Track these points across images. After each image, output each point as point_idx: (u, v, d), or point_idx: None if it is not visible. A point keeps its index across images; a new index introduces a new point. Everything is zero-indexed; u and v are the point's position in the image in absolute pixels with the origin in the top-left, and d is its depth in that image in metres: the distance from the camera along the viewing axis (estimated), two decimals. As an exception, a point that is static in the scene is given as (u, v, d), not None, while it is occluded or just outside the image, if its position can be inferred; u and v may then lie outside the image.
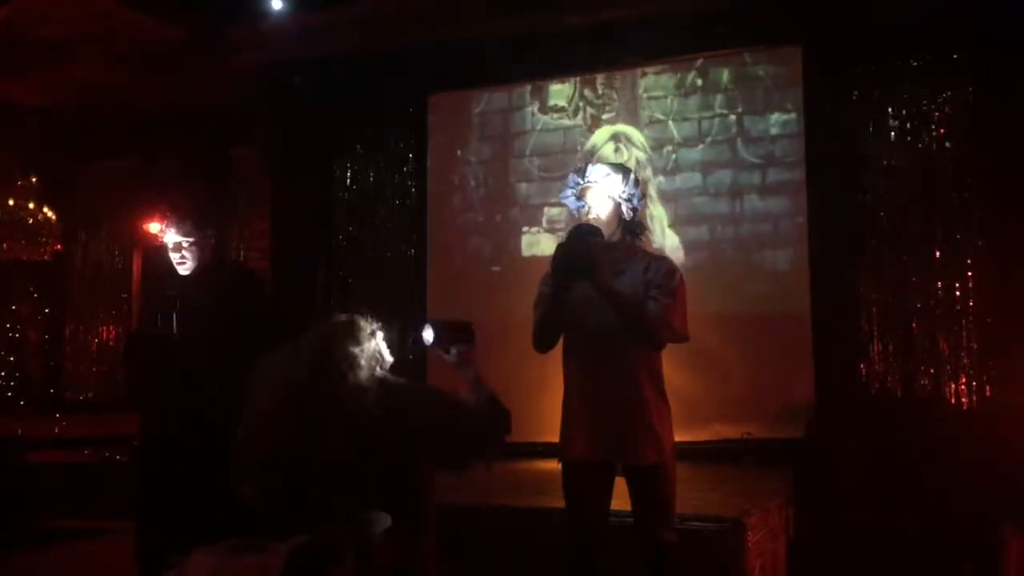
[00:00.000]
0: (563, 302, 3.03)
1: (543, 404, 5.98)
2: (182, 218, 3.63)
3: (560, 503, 3.19)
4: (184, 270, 3.66)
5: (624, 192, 3.10)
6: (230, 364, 3.53)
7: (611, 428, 3.01)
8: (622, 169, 3.16)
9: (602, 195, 3.10)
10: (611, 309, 2.95)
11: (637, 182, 3.15)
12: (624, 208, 3.12)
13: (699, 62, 6.43)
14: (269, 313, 3.95)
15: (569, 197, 3.20)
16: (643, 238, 3.22)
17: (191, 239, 3.63)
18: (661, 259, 3.17)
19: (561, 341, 3.14)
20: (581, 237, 2.94)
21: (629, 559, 3.06)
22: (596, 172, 3.13)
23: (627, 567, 3.10)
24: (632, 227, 3.16)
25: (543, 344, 3.14)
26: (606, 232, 3.07)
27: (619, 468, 3.07)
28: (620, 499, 3.11)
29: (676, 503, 3.11)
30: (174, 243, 3.63)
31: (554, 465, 3.16)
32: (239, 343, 3.54)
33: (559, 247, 2.95)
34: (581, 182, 3.15)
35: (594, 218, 3.08)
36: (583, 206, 3.13)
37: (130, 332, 7.53)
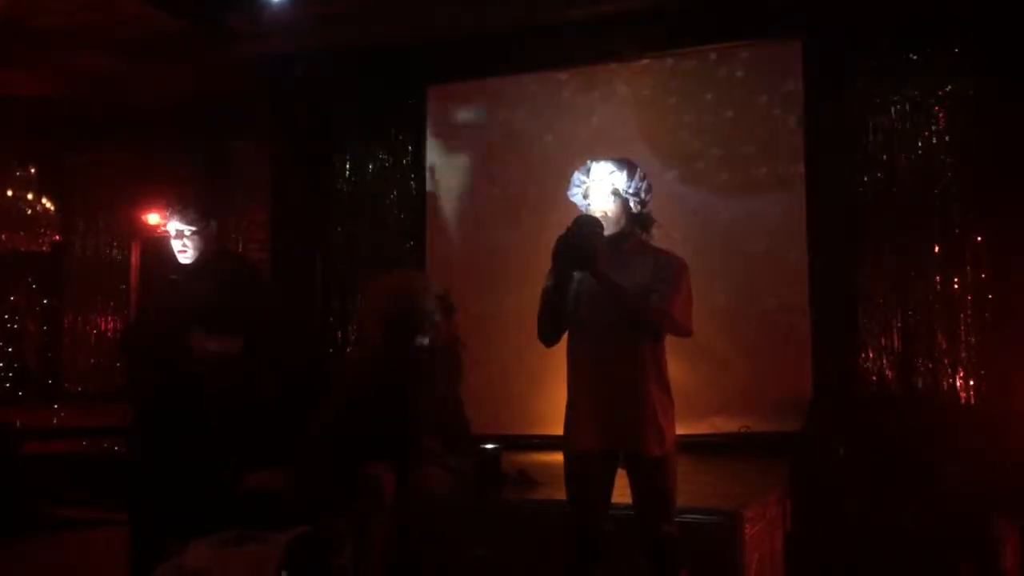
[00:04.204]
0: (565, 294, 3.05)
1: (542, 398, 6.02)
2: (185, 207, 3.67)
3: (560, 495, 3.20)
4: (185, 259, 3.70)
5: (630, 187, 3.11)
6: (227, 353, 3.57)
7: (615, 419, 3.02)
8: (626, 164, 3.16)
9: (607, 191, 3.11)
10: (614, 301, 2.97)
11: (643, 175, 3.15)
12: (632, 203, 3.13)
13: (699, 56, 6.42)
14: (267, 303, 3.97)
15: (576, 195, 3.21)
16: (654, 232, 3.21)
17: (193, 228, 3.67)
18: (670, 255, 3.16)
19: (566, 334, 3.15)
20: (580, 228, 2.95)
21: (630, 550, 3.08)
22: (600, 169, 3.14)
23: (628, 558, 3.12)
24: (641, 221, 3.16)
25: (546, 337, 3.15)
26: (614, 227, 3.08)
27: (621, 459, 3.08)
28: (622, 492, 3.13)
29: (677, 496, 3.12)
30: (176, 231, 3.67)
31: (552, 457, 3.17)
32: (236, 331, 3.57)
33: (558, 238, 2.96)
34: (586, 180, 3.16)
35: (601, 214, 3.09)
36: (589, 204, 3.14)
37: (127, 322, 7.53)
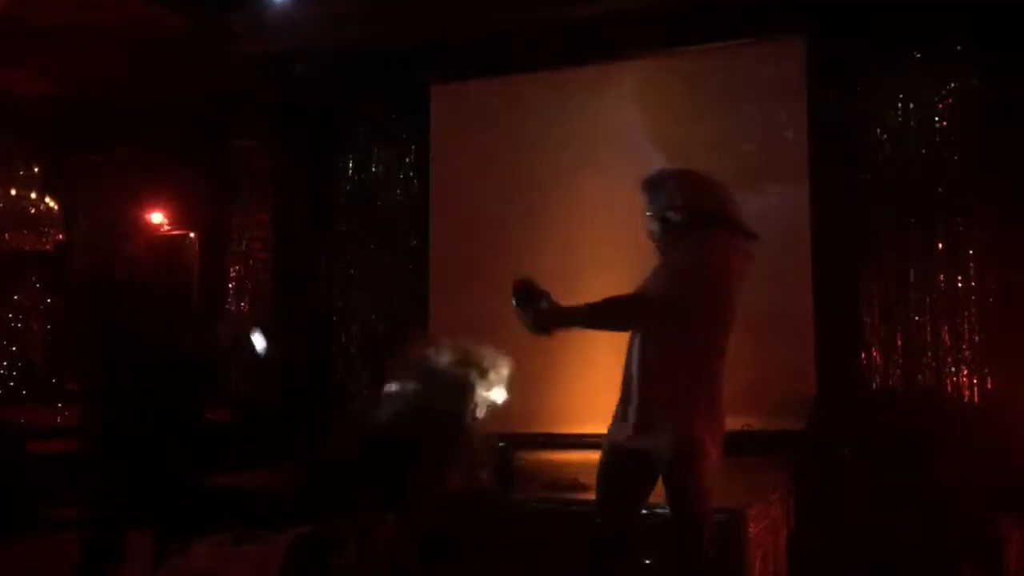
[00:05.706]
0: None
1: (547, 397, 6.01)
2: None
3: (562, 495, 3.21)
4: None
5: (651, 206, 3.24)
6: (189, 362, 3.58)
7: (640, 417, 3.07)
8: (645, 184, 3.29)
9: (649, 217, 3.26)
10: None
11: (663, 185, 3.27)
12: (656, 219, 3.22)
13: (701, 54, 6.40)
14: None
15: None
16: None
17: None
18: (682, 251, 3.21)
19: None
20: (515, 303, 3.07)
21: (641, 550, 3.08)
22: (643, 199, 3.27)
23: (661, 557, 3.12)
24: (673, 229, 3.22)
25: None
26: (663, 242, 3.21)
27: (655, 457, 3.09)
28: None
29: (706, 496, 3.08)
30: None
31: (559, 455, 3.19)
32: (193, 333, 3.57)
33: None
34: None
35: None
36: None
37: None
